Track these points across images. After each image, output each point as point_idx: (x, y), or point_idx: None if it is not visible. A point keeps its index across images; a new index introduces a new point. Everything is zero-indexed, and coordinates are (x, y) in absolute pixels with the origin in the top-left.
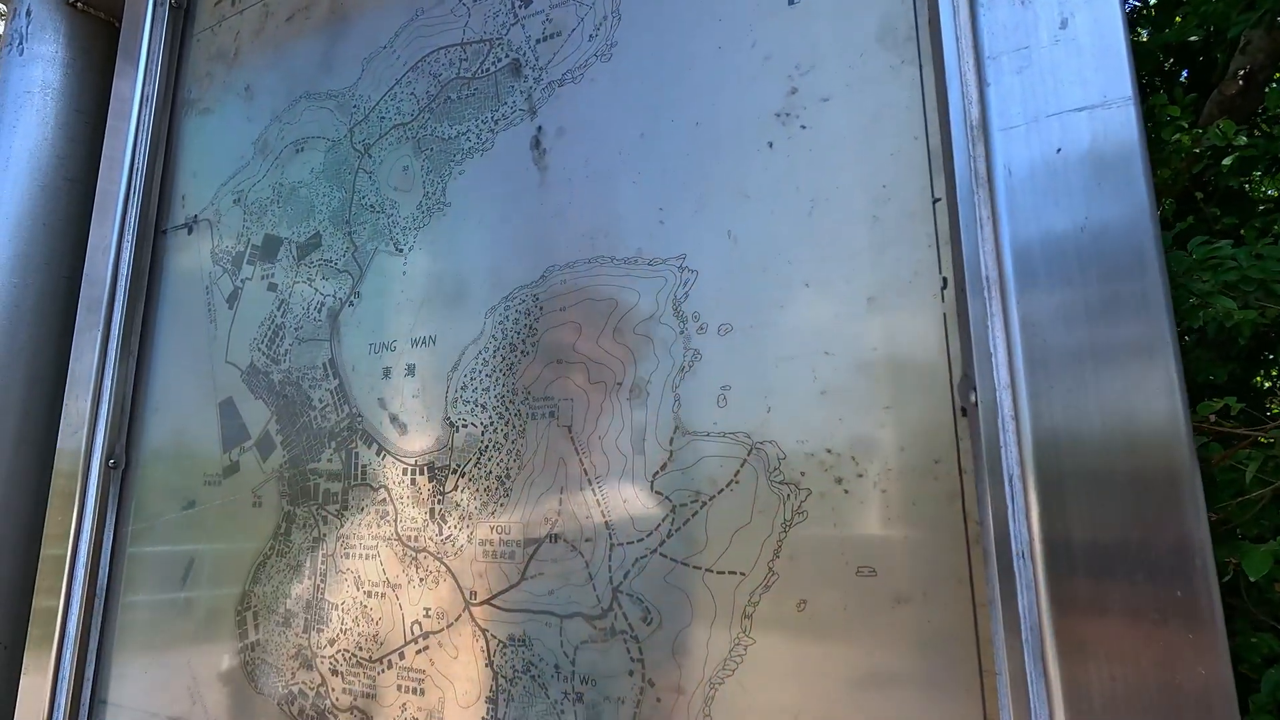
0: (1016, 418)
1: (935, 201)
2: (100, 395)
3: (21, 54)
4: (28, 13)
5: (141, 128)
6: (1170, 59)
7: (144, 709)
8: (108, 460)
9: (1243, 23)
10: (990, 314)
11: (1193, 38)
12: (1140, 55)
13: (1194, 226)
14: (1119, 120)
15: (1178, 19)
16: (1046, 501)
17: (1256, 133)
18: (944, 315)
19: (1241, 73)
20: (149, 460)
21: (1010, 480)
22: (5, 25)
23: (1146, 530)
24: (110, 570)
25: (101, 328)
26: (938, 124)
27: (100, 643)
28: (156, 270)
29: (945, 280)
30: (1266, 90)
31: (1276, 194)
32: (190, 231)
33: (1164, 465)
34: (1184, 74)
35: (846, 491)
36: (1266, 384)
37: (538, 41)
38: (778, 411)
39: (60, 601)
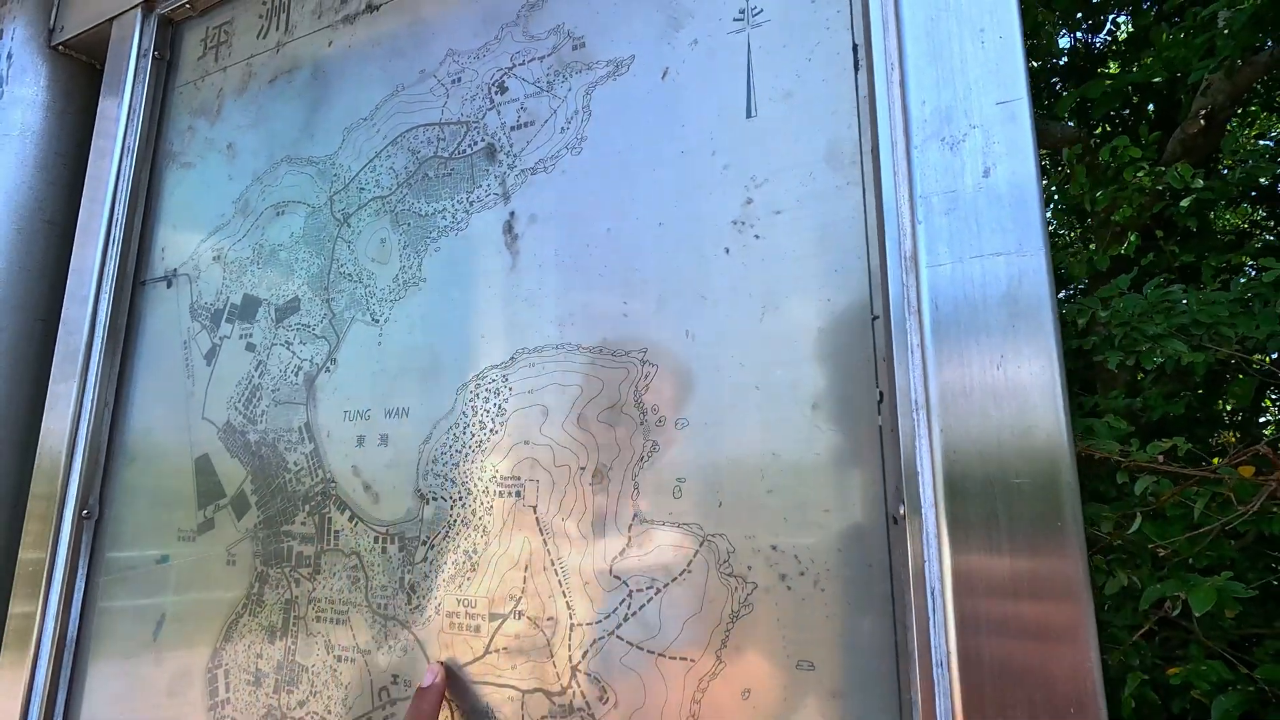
0: (939, 535)
1: (874, 319)
2: (75, 445)
3: (2, 97)
4: (8, 55)
5: (122, 177)
6: (1137, 95)
7: None
8: (81, 510)
9: (1204, 68)
10: (918, 434)
11: (1157, 79)
12: (1109, 94)
13: (1154, 262)
14: (1031, 268)
15: (1147, 59)
16: (962, 618)
17: (1218, 169)
18: (879, 428)
19: (1203, 113)
20: (123, 512)
21: (932, 593)
22: None
23: (1046, 649)
24: (81, 621)
25: (78, 377)
26: (878, 246)
27: (68, 696)
28: (134, 321)
29: (881, 394)
30: (1226, 130)
31: (1241, 224)
32: (169, 284)
33: (1063, 589)
34: (1150, 108)
35: (789, 588)
36: (1222, 411)
37: (512, 129)
38: (728, 506)
39: (30, 652)
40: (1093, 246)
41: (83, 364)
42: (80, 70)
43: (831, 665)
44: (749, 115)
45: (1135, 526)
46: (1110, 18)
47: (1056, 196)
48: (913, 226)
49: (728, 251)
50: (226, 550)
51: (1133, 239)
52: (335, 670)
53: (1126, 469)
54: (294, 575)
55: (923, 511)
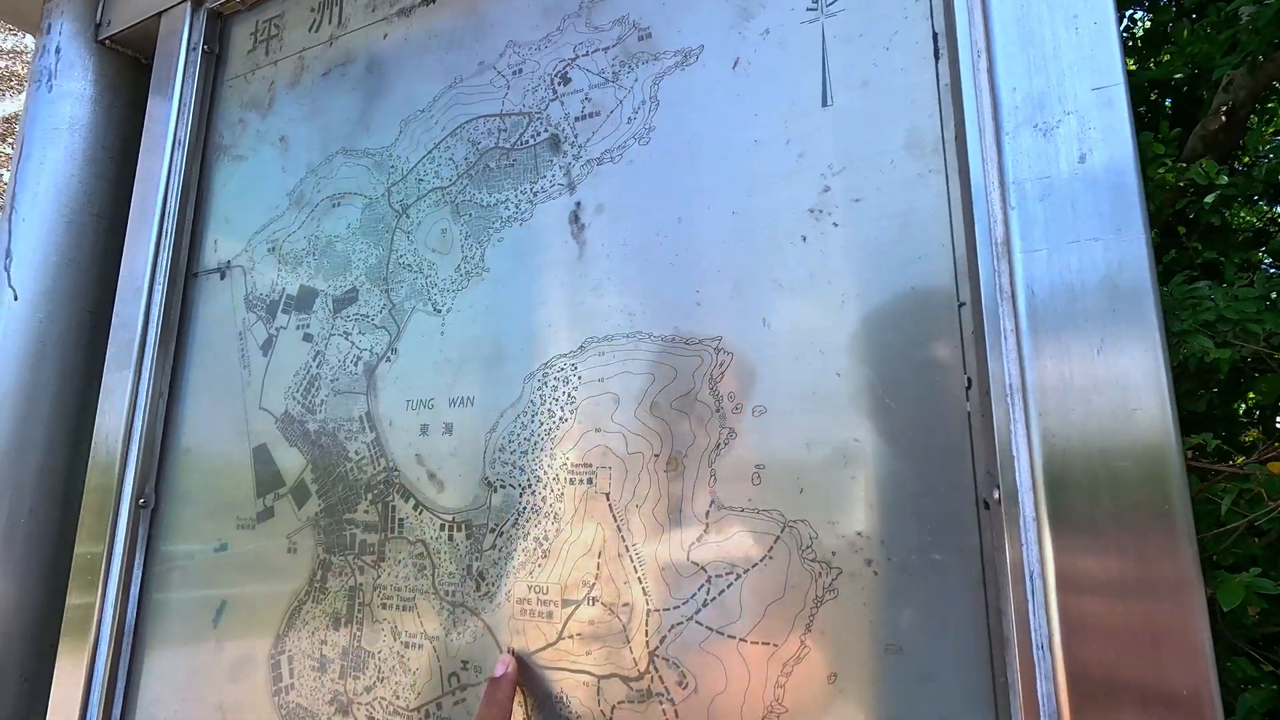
0: (1038, 519)
1: (960, 306)
2: (131, 435)
3: (50, 90)
4: (57, 50)
5: (174, 170)
6: (1155, 92)
7: None
8: (138, 500)
9: (1226, 65)
10: (1013, 419)
11: (1178, 75)
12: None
13: (1176, 259)
14: (1132, 253)
15: (1165, 56)
16: (1065, 602)
17: (1239, 165)
18: (968, 413)
19: (1224, 109)
20: (179, 501)
21: (1030, 577)
22: (33, 62)
23: (1156, 631)
24: (139, 611)
25: (133, 368)
26: (963, 234)
27: (127, 685)
28: (187, 313)
29: (970, 380)
30: (1247, 127)
31: (1256, 223)
32: (223, 276)
33: (1172, 573)
34: (1167, 103)
35: (876, 573)
36: (1241, 410)
37: (577, 119)
38: (809, 493)
39: (90, 641)
40: None
41: (137, 356)
42: (127, 65)
43: (922, 649)
44: (825, 104)
45: None
46: (1128, 14)
47: None
48: (1004, 213)
49: (805, 239)
50: (288, 538)
51: (1154, 237)
52: (403, 656)
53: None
54: (358, 563)
55: (1019, 494)
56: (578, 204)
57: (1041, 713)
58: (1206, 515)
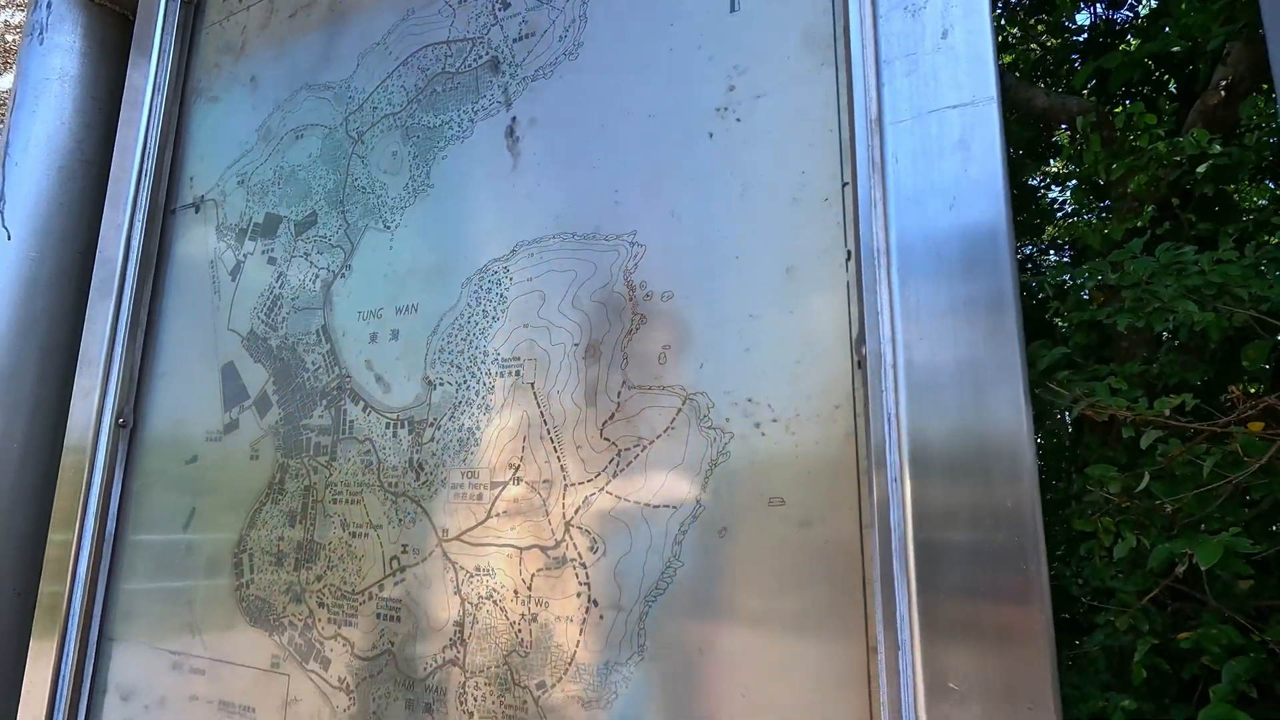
0: (895, 366)
1: (844, 186)
2: (111, 363)
3: (42, 43)
4: (48, 5)
5: (153, 115)
6: (1157, 70)
7: (147, 643)
8: (118, 420)
9: (1222, 35)
10: (878, 280)
11: (1175, 48)
12: (1128, 65)
13: (1170, 232)
14: (984, 116)
15: (1167, 30)
16: (917, 443)
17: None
18: (848, 284)
19: (1223, 84)
20: (155, 420)
21: (889, 419)
22: (26, 16)
23: (987, 457)
24: (118, 520)
25: (113, 300)
26: (848, 119)
27: (108, 585)
28: (165, 247)
29: (849, 253)
30: (1243, 102)
31: (1266, 202)
32: (197, 210)
33: (1006, 401)
34: (1172, 85)
35: (763, 434)
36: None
37: (514, 41)
38: (709, 367)
39: (72, 548)
40: (1111, 218)
41: (117, 288)
42: (114, 20)
43: (800, 499)
44: (732, 10)
45: (1143, 484)
46: None
47: (1074, 169)
48: (877, 90)
49: (711, 136)
50: (250, 446)
51: (1149, 210)
52: (350, 546)
53: (1133, 424)
54: (312, 464)
55: (881, 346)
56: (513, 119)
57: (893, 536)
58: (1189, 479)
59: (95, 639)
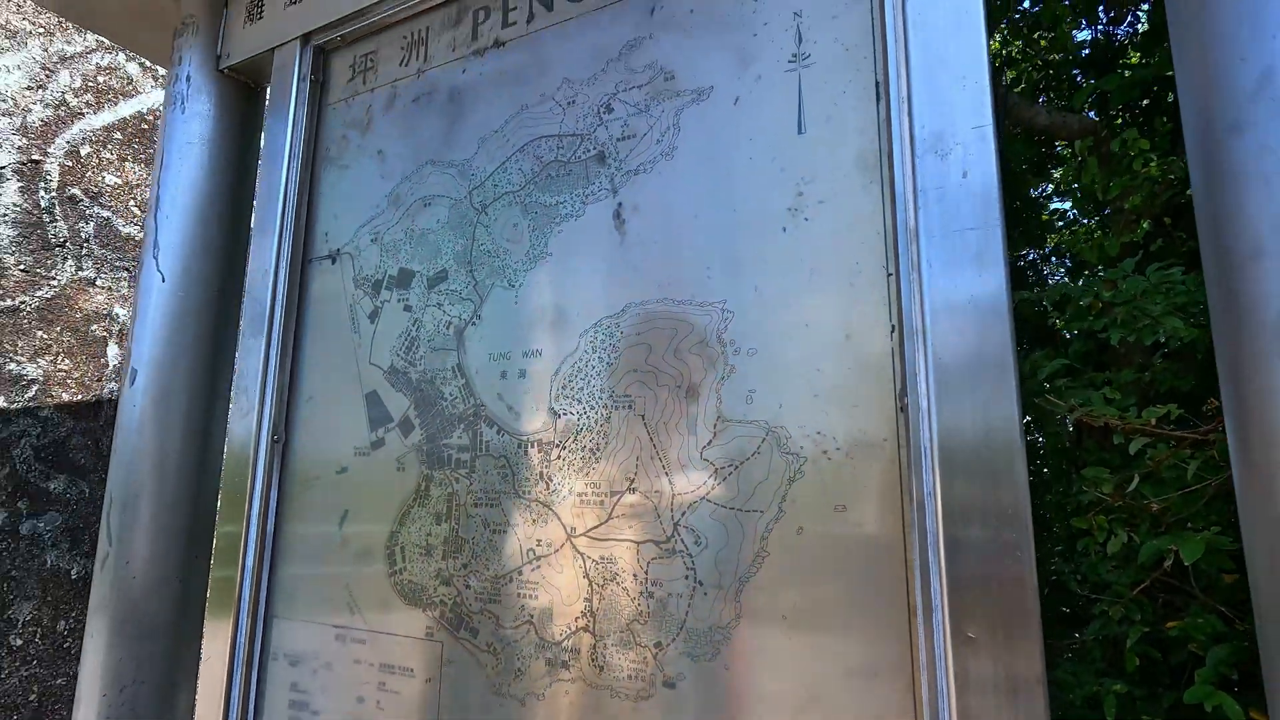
0: (929, 413)
1: (889, 276)
2: (265, 387)
3: (183, 112)
4: (187, 78)
5: (290, 178)
6: (1156, 86)
7: (310, 620)
8: (273, 436)
9: None
10: (916, 349)
11: (1169, 72)
12: (1126, 86)
13: (1163, 249)
14: (992, 237)
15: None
16: (945, 467)
17: None
18: (893, 349)
19: None
20: (305, 436)
21: (924, 452)
22: (168, 88)
23: (994, 486)
24: (277, 518)
25: (264, 336)
26: (890, 225)
27: (271, 571)
28: (304, 291)
29: (893, 326)
30: None
31: None
32: (333, 261)
33: (1003, 444)
34: (1170, 98)
35: (829, 459)
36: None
37: (618, 140)
38: (786, 407)
39: (240, 539)
40: (1108, 233)
41: (267, 325)
42: (240, 89)
43: (858, 506)
44: (800, 132)
45: (1134, 485)
46: (1132, 10)
47: (1075, 185)
48: (915, 210)
49: (784, 230)
50: (397, 460)
51: (1144, 226)
52: (491, 540)
53: (1123, 432)
54: (454, 475)
55: (919, 400)
56: (619, 204)
57: (929, 533)
58: (1174, 482)
59: (263, 615)
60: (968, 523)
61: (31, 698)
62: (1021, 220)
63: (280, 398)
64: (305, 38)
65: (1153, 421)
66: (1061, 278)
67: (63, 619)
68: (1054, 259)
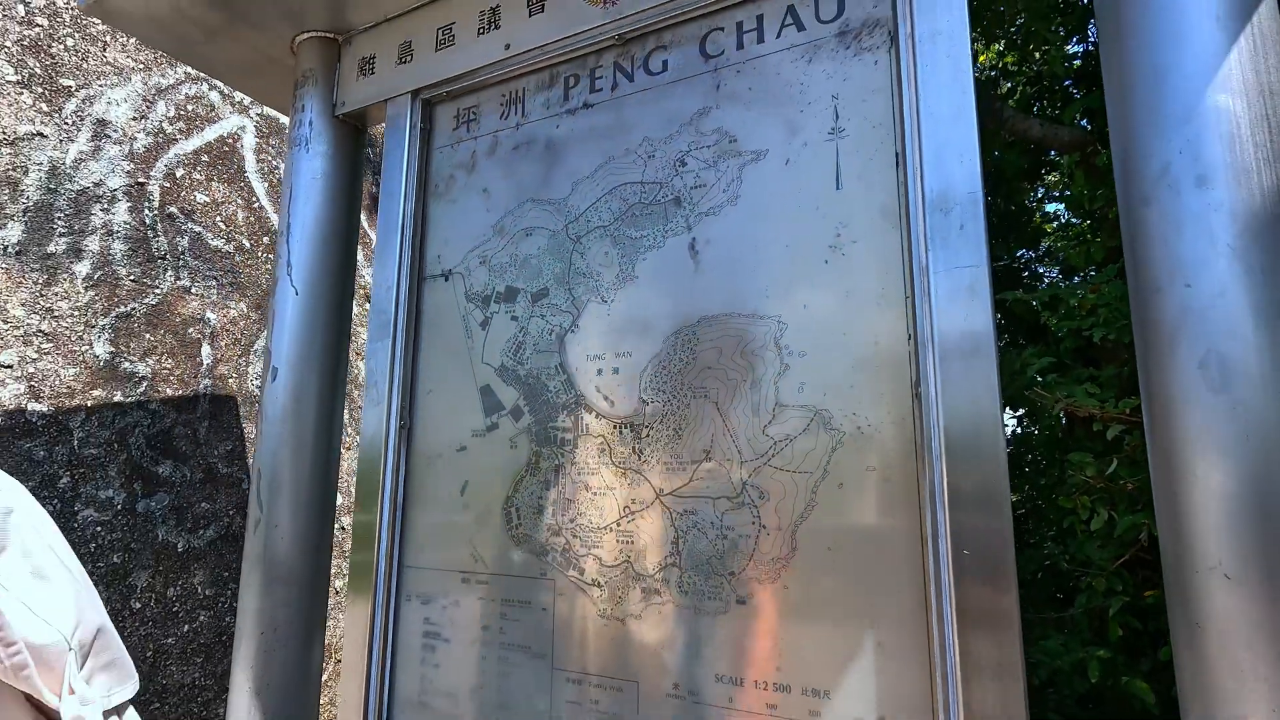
0: (937, 399)
1: (907, 298)
2: (392, 383)
3: (308, 152)
4: (310, 123)
5: (406, 208)
6: None
7: (438, 568)
8: (400, 423)
9: None
10: (926, 352)
11: None
12: None
13: None
14: (980, 276)
15: None
16: (950, 436)
17: None
18: (910, 353)
19: None
20: (427, 424)
21: (932, 426)
22: (291, 131)
23: (978, 447)
24: (406, 490)
25: (390, 341)
26: (908, 261)
27: (402, 536)
28: (421, 304)
29: (910, 336)
30: None
31: None
32: (446, 279)
33: (988, 419)
34: None
35: (863, 433)
36: None
37: (691, 188)
38: (829, 395)
39: (377, 505)
40: (1095, 238)
41: (391, 330)
42: (351, 132)
43: (885, 467)
44: (837, 188)
45: (1113, 468)
46: None
47: (1068, 193)
48: (926, 251)
49: (826, 262)
50: (509, 440)
51: None
52: (593, 500)
53: (1102, 420)
54: (559, 450)
55: (928, 388)
56: (693, 239)
57: (934, 485)
58: (1148, 463)
59: (397, 563)
60: (964, 473)
61: (148, 654)
62: (1017, 224)
63: (405, 391)
64: (415, 92)
65: (1128, 411)
66: (1055, 276)
67: (171, 586)
68: (1047, 259)
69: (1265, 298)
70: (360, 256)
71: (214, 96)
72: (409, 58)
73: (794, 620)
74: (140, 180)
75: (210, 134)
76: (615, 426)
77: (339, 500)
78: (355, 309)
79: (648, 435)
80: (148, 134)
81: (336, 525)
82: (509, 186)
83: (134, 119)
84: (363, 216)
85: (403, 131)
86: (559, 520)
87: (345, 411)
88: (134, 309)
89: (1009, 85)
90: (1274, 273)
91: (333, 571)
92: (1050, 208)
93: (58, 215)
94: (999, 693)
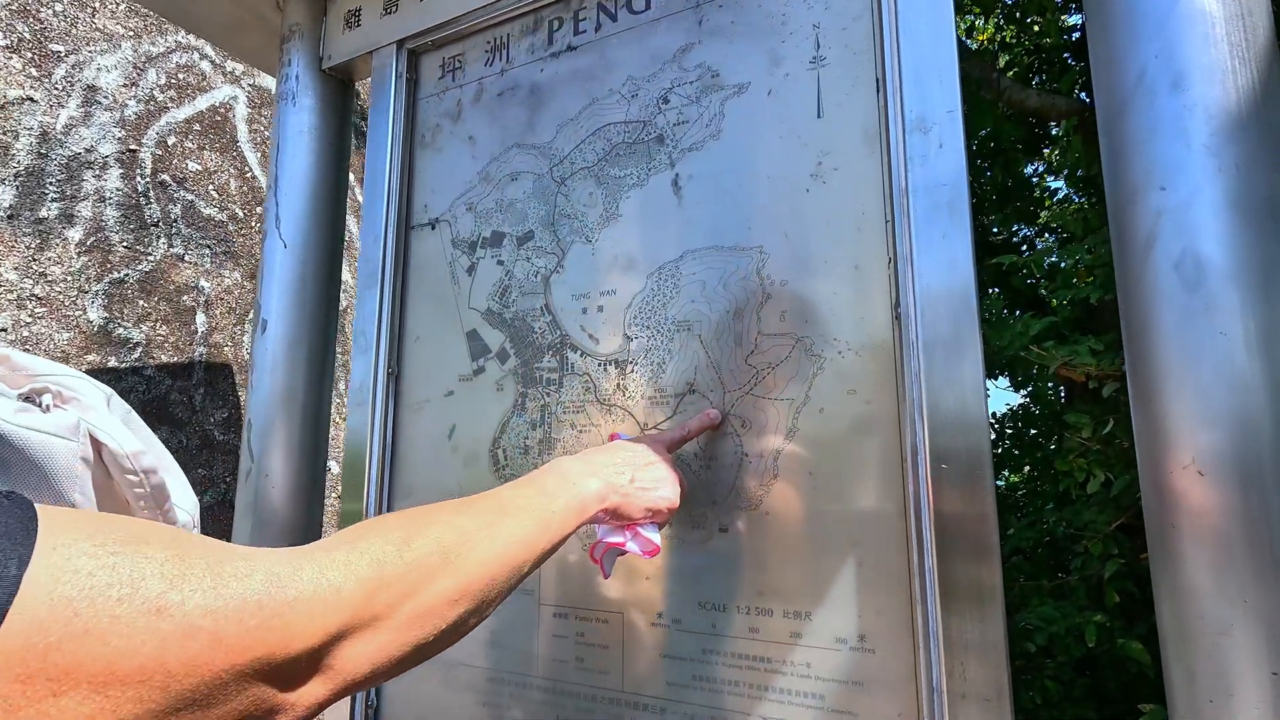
0: (915, 319)
1: (887, 222)
2: (380, 330)
3: (294, 105)
4: (296, 78)
5: (392, 159)
6: None
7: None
8: (388, 369)
9: None
10: (905, 273)
11: None
12: None
13: None
14: (959, 190)
15: None
16: (927, 350)
17: None
18: (889, 276)
19: None
20: (415, 370)
21: (911, 343)
22: (277, 86)
23: (959, 360)
24: (394, 437)
25: (377, 289)
26: (888, 184)
27: (391, 475)
28: (409, 252)
29: (890, 259)
30: None
31: None
32: (433, 228)
33: (966, 330)
34: None
35: (843, 357)
36: None
37: (674, 125)
38: (811, 321)
39: (366, 448)
40: (1093, 205)
41: (379, 278)
42: (336, 85)
43: (865, 389)
44: (819, 116)
45: (1109, 427)
46: None
47: (1066, 163)
48: (905, 172)
49: (808, 191)
50: (496, 383)
51: None
52: (579, 437)
53: (1098, 378)
54: (544, 390)
55: (909, 309)
56: (676, 175)
57: (913, 402)
58: None
59: (386, 504)
60: (943, 391)
61: None
62: (1015, 197)
63: (393, 338)
64: (400, 43)
65: (1122, 368)
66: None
67: None
68: (1046, 234)
69: (1239, 195)
70: (351, 213)
71: (205, 66)
72: (394, 8)
73: (775, 546)
74: (132, 147)
75: (202, 103)
76: (600, 364)
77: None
78: (346, 267)
79: (632, 371)
80: (138, 101)
81: (328, 476)
82: (494, 133)
83: (124, 86)
84: (352, 176)
85: (389, 82)
86: (545, 459)
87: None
88: (127, 275)
89: (1007, 59)
90: (1249, 170)
91: (325, 520)
92: (1049, 184)
93: (49, 181)
94: (978, 616)
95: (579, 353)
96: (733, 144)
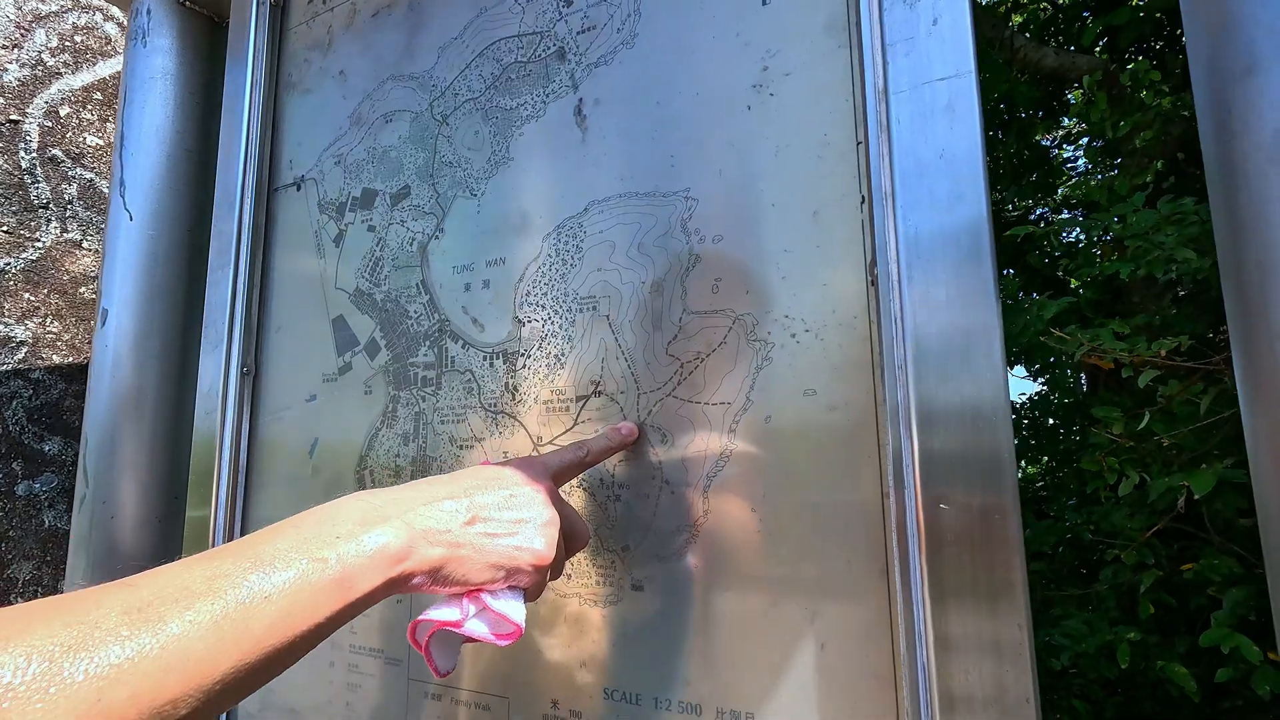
0: (899, 281)
1: (858, 144)
2: (233, 321)
3: (145, 46)
4: (147, 11)
5: (253, 108)
6: (1170, 23)
7: None
8: (242, 369)
9: None
10: (885, 216)
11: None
12: (1137, 21)
13: (1175, 186)
14: (965, 86)
15: None
16: (917, 334)
17: None
18: (862, 222)
19: None
20: (275, 367)
21: (894, 321)
22: (129, 23)
23: (967, 350)
24: (249, 454)
25: (231, 268)
26: (859, 88)
27: (245, 502)
28: (271, 221)
29: (863, 198)
30: None
31: None
32: (299, 189)
33: (978, 306)
34: (1181, 35)
35: (798, 342)
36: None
37: (578, 33)
38: (753, 293)
39: (214, 475)
40: (1119, 174)
41: (234, 257)
42: (202, 22)
43: (828, 389)
44: (764, 4)
45: (1145, 422)
46: None
47: (1085, 128)
48: (884, 68)
49: (749, 108)
50: (364, 384)
51: (1156, 165)
52: (458, 456)
53: (1132, 364)
54: (420, 394)
55: (889, 270)
56: (580, 100)
57: (899, 406)
58: (1188, 418)
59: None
60: (942, 387)
61: None
62: (1032, 169)
63: (249, 328)
64: None
65: (1162, 353)
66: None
67: (63, 578)
68: (1065, 211)
69: None
70: None
71: (110, 28)
72: None
73: (705, 613)
74: (13, 118)
75: (104, 69)
76: (485, 357)
77: None
78: None
79: (524, 366)
80: (22, 65)
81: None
82: (367, 63)
83: (3, 47)
84: None
85: (249, 10)
86: None
87: None
88: (8, 264)
89: (1022, 19)
90: None
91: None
92: (1067, 154)
93: None
94: None
95: (460, 343)
96: (651, 51)
